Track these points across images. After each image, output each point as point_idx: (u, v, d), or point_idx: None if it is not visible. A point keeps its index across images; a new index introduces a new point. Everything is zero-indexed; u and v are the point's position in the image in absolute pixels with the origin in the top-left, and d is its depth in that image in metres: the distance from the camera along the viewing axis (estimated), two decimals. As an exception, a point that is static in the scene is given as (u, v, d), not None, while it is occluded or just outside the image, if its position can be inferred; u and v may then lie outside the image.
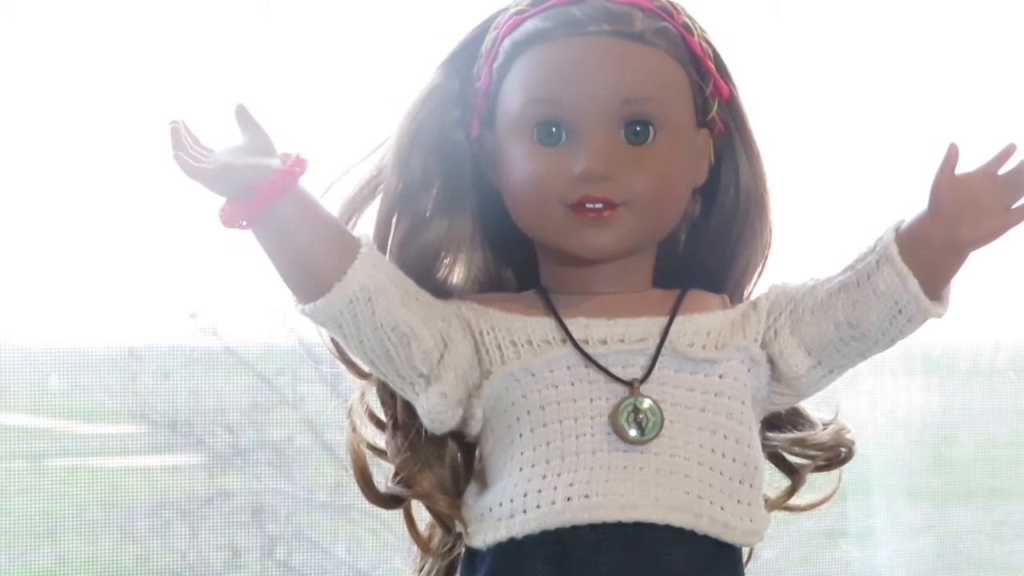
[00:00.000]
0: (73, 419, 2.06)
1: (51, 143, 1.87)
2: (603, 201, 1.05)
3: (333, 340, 1.08)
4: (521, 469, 1.04)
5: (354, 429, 1.12)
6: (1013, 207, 1.04)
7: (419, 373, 1.05)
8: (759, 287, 1.14)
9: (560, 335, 1.06)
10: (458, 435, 1.10)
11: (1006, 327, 2.20)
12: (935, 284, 1.05)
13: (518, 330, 1.07)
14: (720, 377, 1.06)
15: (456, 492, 1.10)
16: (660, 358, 1.06)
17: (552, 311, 1.07)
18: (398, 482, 1.11)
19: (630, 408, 1.04)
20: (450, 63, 1.11)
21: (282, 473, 2.09)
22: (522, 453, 1.04)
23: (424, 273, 1.09)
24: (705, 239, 1.14)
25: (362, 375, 1.11)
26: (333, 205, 1.08)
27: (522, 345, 1.06)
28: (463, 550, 1.10)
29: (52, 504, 1.96)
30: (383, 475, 1.12)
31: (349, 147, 1.15)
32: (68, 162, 1.88)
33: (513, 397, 1.05)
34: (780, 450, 1.16)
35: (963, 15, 2.12)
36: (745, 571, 1.09)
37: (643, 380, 1.05)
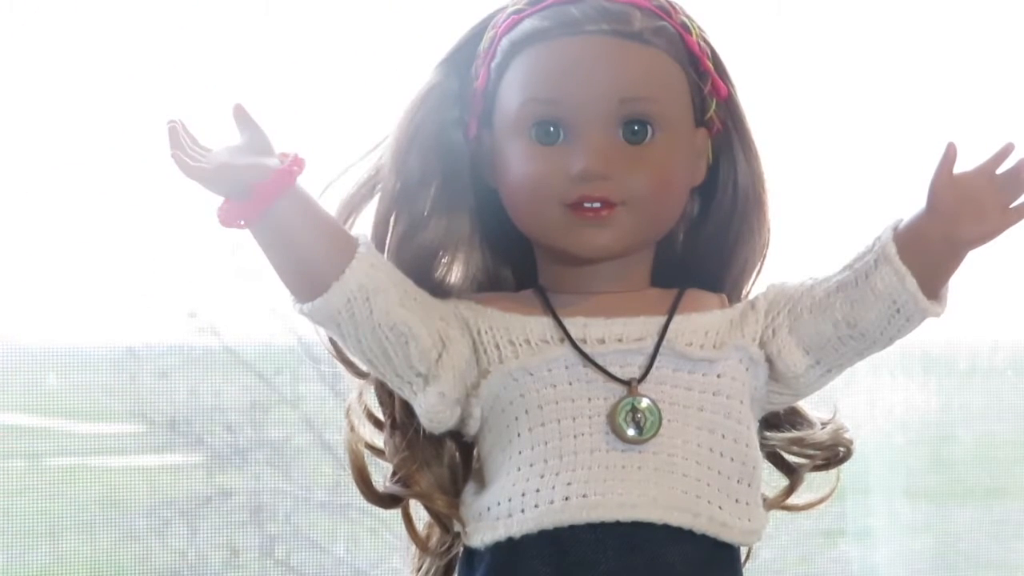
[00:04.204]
0: (72, 418, 2.06)
1: (51, 143, 1.87)
2: (601, 200, 1.05)
3: (331, 339, 1.09)
4: (519, 469, 1.04)
5: (352, 428, 1.12)
6: (1011, 206, 1.04)
7: (417, 372, 1.05)
8: (757, 286, 1.14)
9: (558, 334, 1.06)
10: (456, 434, 1.10)
11: (1005, 326, 2.20)
12: (933, 283, 1.05)
13: (516, 329, 1.07)
14: (718, 376, 1.06)
15: (454, 491, 1.10)
16: (658, 357, 1.06)
17: (550, 310, 1.07)
18: (396, 481, 1.11)
19: (628, 407, 1.04)
20: (448, 62, 1.11)
21: (281, 472, 2.09)
22: (520, 452, 1.04)
23: (422, 272, 1.09)
24: (703, 238, 1.14)
25: (360, 374, 1.11)
26: (331, 204, 1.08)
27: (520, 344, 1.06)
28: (461, 549, 1.10)
29: (51, 503, 1.96)
30: (381, 474, 1.12)
31: (347, 146, 1.15)
32: (67, 162, 1.88)
33: (511, 396, 1.05)
34: (778, 449, 1.16)
35: (963, 15, 2.12)
36: (744, 570, 1.09)
37: (641, 379, 1.05)
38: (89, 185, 1.88)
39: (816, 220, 1.84)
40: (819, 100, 2.05)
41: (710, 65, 1.10)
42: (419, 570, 1.15)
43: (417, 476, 1.10)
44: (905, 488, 2.21)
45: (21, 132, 1.87)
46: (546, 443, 1.04)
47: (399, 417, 1.10)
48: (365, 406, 1.13)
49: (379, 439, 1.12)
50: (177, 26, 1.90)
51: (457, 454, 1.12)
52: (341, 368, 1.12)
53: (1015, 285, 2.10)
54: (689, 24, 1.09)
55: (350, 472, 1.12)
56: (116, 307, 1.94)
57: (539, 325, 1.07)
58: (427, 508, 1.11)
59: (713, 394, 1.06)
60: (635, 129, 1.06)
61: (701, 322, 1.08)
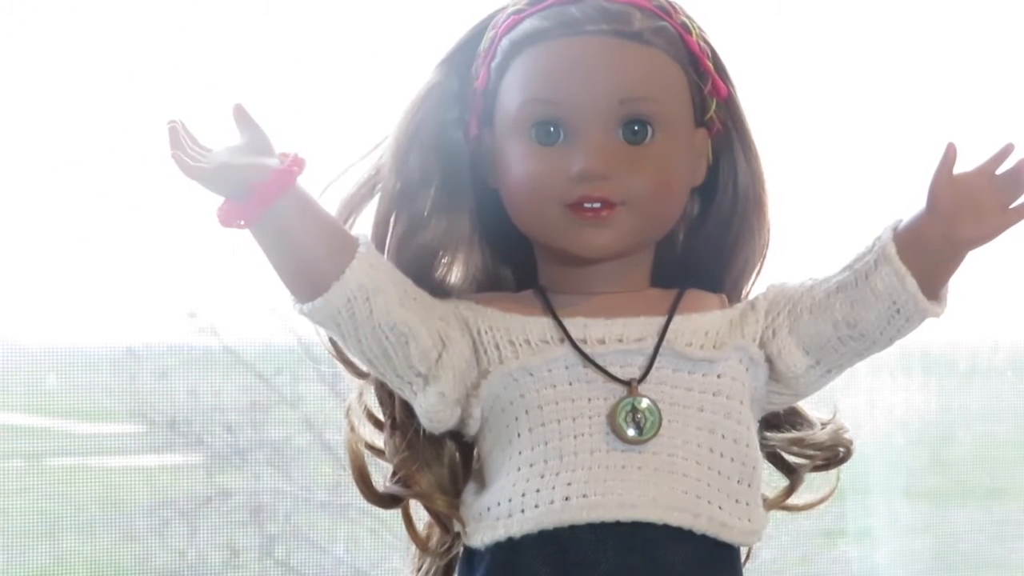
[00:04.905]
0: (72, 418, 2.06)
1: (51, 143, 1.88)
2: (601, 201, 1.05)
3: (331, 340, 1.08)
4: (519, 469, 1.04)
5: (352, 428, 1.12)
6: (1011, 207, 1.04)
7: (417, 373, 1.05)
8: (757, 287, 1.14)
9: (558, 335, 1.06)
10: (456, 435, 1.10)
11: (1004, 327, 2.21)
12: (933, 284, 1.05)
13: (516, 330, 1.07)
14: (718, 377, 1.06)
15: (454, 492, 1.10)
16: (658, 358, 1.06)
17: (550, 311, 1.07)
18: (396, 482, 1.11)
19: (628, 408, 1.04)
20: (448, 62, 1.11)
21: (281, 472, 2.09)
22: (520, 453, 1.04)
23: (422, 273, 1.09)
24: (703, 239, 1.14)
25: (360, 375, 1.11)
26: (331, 204, 1.08)
27: (520, 345, 1.06)
28: (461, 549, 1.10)
29: (51, 503, 1.96)
30: (381, 475, 1.12)
31: (347, 146, 1.15)
32: (68, 162, 1.88)
33: (511, 397, 1.05)
34: (778, 450, 1.16)
35: (963, 15, 2.12)
36: (744, 571, 1.09)
37: (641, 380, 1.05)
38: (89, 185, 1.88)
39: (816, 220, 1.84)
40: (819, 100, 2.05)
41: (710, 65, 1.10)
42: (419, 570, 1.15)
43: (417, 476, 1.10)
44: (905, 488, 2.21)
45: (21, 132, 1.87)
46: (546, 443, 1.04)
47: (399, 417, 1.10)
48: (365, 406, 1.13)
49: (379, 439, 1.12)
50: (177, 26, 1.90)
51: (457, 454, 1.12)
52: (341, 368, 1.12)
53: (1015, 285, 2.10)
54: (689, 24, 1.09)
55: (350, 472, 1.12)
56: (116, 307, 1.94)
57: (539, 325, 1.07)
58: (427, 508, 1.11)
59: (713, 394, 1.06)
60: (635, 129, 1.06)
61: (701, 322, 1.08)
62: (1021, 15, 2.13)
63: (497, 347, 1.06)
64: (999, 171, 1.05)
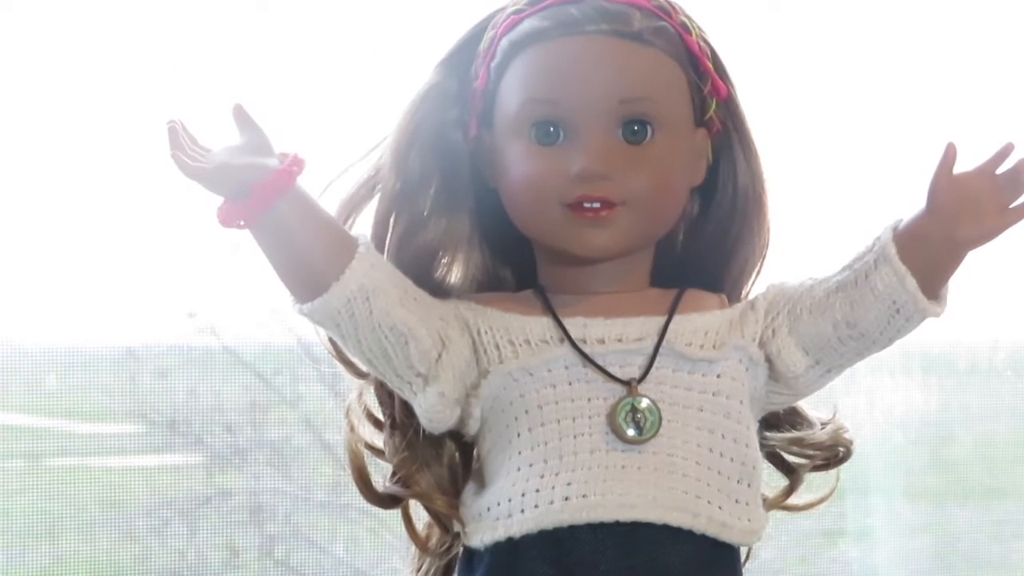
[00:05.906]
0: (71, 419, 2.06)
1: (50, 143, 1.88)
2: (601, 200, 1.05)
3: (331, 340, 1.09)
4: (519, 469, 1.04)
5: (352, 429, 1.12)
6: (1011, 206, 1.04)
7: (417, 373, 1.05)
8: (757, 286, 1.14)
9: (558, 335, 1.06)
10: (456, 435, 1.10)
11: (1004, 326, 2.20)
12: (933, 283, 1.05)
13: (516, 330, 1.07)
14: (718, 376, 1.06)
15: (454, 492, 1.10)
16: (658, 358, 1.06)
17: (550, 311, 1.07)
18: (396, 482, 1.11)
19: (628, 408, 1.04)
20: (448, 62, 1.11)
21: (280, 472, 2.09)
22: (520, 453, 1.04)
23: (422, 273, 1.09)
24: (703, 238, 1.14)
25: (360, 374, 1.12)
26: (331, 204, 1.08)
27: (520, 345, 1.06)
28: (461, 550, 1.10)
29: (50, 504, 1.96)
30: (381, 475, 1.12)
31: (347, 146, 1.15)
32: (67, 162, 1.88)
33: (511, 397, 1.05)
34: (778, 449, 1.16)
35: (963, 15, 2.12)
36: (743, 571, 1.09)
37: (641, 380, 1.05)
38: (89, 185, 1.88)
39: (816, 220, 1.84)
40: (819, 100, 2.05)
41: (710, 65, 1.10)
42: (419, 570, 1.15)
43: (417, 476, 1.10)
44: (905, 488, 2.21)
45: (21, 132, 1.87)
46: (546, 443, 1.04)
47: (399, 417, 1.10)
48: (365, 406, 1.13)
49: (379, 439, 1.12)
50: (177, 26, 1.90)
51: (457, 454, 1.12)
52: (341, 368, 1.12)
53: (1015, 285, 2.10)
54: (689, 24, 1.09)
55: (350, 472, 1.12)
56: (116, 307, 1.94)
57: (539, 325, 1.07)
58: (427, 508, 1.11)
59: (713, 394, 1.06)
60: (635, 129, 1.06)
61: (701, 322, 1.08)
62: (1021, 15, 2.13)
63: (497, 347, 1.06)
64: (999, 171, 1.05)
